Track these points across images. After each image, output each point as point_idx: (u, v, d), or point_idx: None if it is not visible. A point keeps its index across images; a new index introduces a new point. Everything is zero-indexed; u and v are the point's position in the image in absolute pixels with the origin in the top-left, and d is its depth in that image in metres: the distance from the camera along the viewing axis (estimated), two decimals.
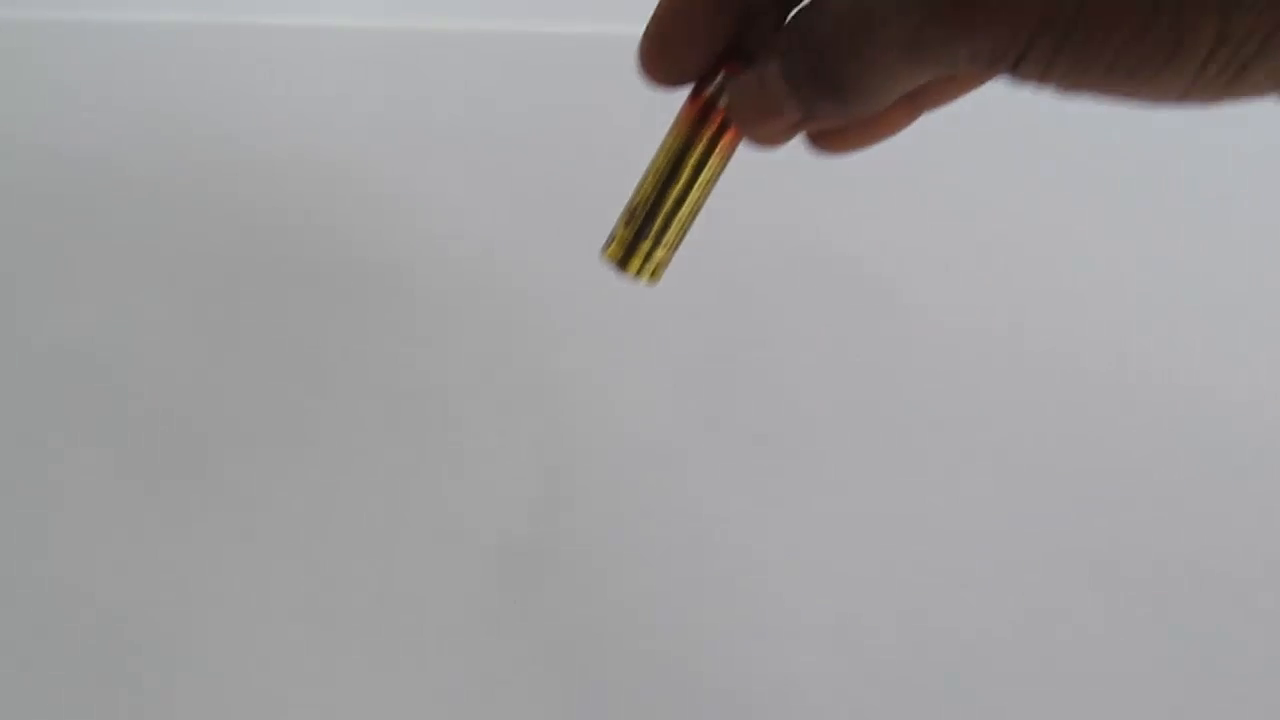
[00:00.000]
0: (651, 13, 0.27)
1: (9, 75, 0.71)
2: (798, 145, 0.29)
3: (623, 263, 0.31)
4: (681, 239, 0.31)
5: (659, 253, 0.30)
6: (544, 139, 0.69)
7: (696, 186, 0.30)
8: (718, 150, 0.29)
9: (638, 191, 0.30)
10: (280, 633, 0.34)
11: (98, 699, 0.31)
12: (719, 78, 0.28)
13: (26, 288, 0.49)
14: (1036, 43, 0.19)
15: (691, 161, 0.29)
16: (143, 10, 0.78)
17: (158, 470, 0.40)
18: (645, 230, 0.30)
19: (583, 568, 0.38)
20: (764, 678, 0.35)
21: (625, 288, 0.53)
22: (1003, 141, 0.60)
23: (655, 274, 0.31)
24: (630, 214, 0.30)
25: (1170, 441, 0.49)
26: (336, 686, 0.32)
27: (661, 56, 0.27)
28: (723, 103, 0.28)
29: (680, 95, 0.29)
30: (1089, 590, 0.40)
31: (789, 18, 0.27)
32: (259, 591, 0.35)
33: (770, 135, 0.27)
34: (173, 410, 0.43)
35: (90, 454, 0.40)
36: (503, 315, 0.51)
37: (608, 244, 0.31)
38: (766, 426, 0.46)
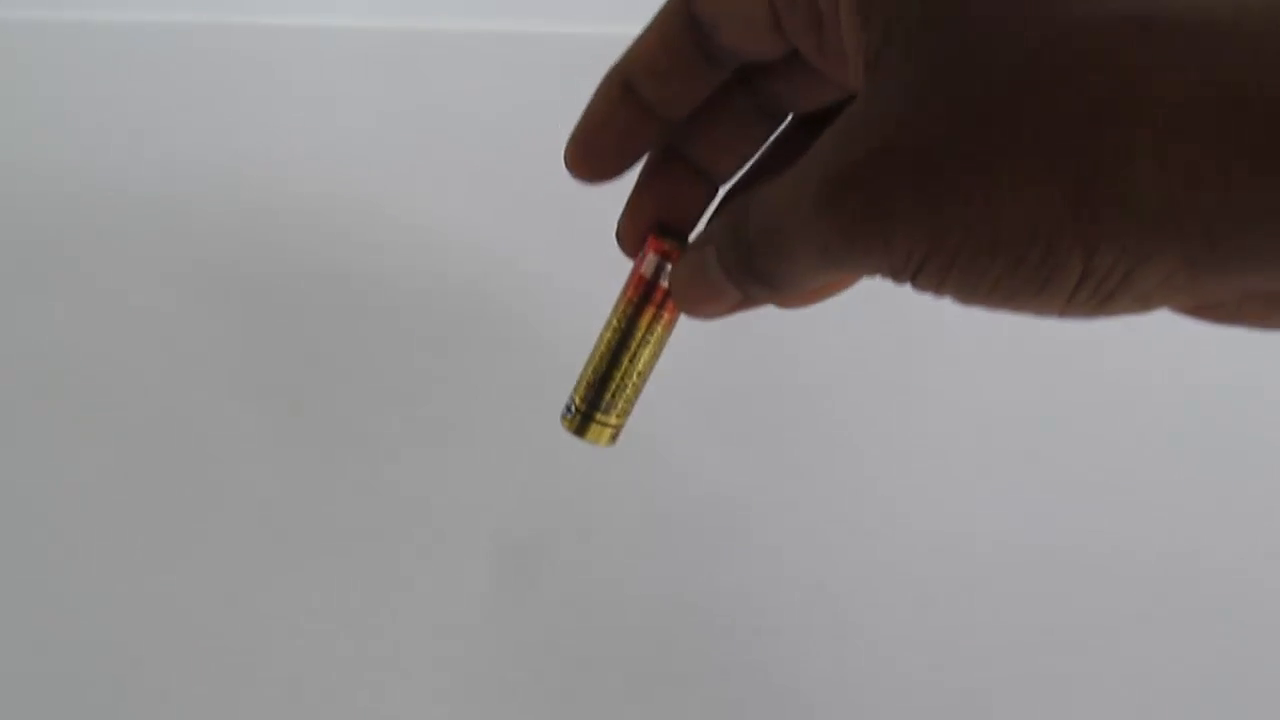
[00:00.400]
0: (578, 120, 0.30)
1: (8, 75, 0.71)
2: None
3: (580, 432, 0.33)
4: (633, 405, 0.33)
5: (613, 419, 0.33)
6: (545, 139, 0.69)
7: (643, 361, 0.32)
8: (661, 325, 0.32)
9: (589, 367, 0.33)
10: (279, 632, 0.34)
11: (99, 701, 0.31)
12: (655, 260, 0.30)
13: (24, 289, 0.49)
14: (928, 266, 0.22)
15: (636, 338, 0.32)
16: (143, 10, 0.78)
17: (156, 468, 0.40)
18: (598, 403, 0.33)
19: (584, 568, 0.38)
20: (770, 679, 0.35)
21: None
22: None
23: (614, 438, 0.34)
24: (586, 388, 0.33)
25: (1183, 436, 0.49)
26: (336, 687, 0.32)
27: (585, 159, 0.30)
28: (663, 283, 0.30)
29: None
30: (1095, 590, 0.40)
31: (721, 204, 0.30)
32: (256, 591, 0.35)
33: (712, 314, 0.30)
34: (171, 412, 0.43)
35: (85, 459, 0.40)
36: (504, 314, 0.51)
37: (565, 414, 0.33)
38: (770, 421, 0.46)
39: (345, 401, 0.44)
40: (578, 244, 0.57)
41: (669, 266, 0.30)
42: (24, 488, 0.39)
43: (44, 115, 0.66)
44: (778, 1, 0.25)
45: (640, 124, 0.29)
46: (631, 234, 0.31)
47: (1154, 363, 0.52)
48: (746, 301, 0.29)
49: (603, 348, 0.33)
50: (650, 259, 0.31)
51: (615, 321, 0.32)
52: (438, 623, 0.35)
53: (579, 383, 0.33)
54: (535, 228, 0.57)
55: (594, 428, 0.33)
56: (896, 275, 0.23)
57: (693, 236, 0.31)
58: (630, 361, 0.32)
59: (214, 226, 0.56)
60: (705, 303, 0.29)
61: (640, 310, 0.32)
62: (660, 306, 0.32)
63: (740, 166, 0.31)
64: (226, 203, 0.58)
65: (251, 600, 0.35)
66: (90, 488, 0.39)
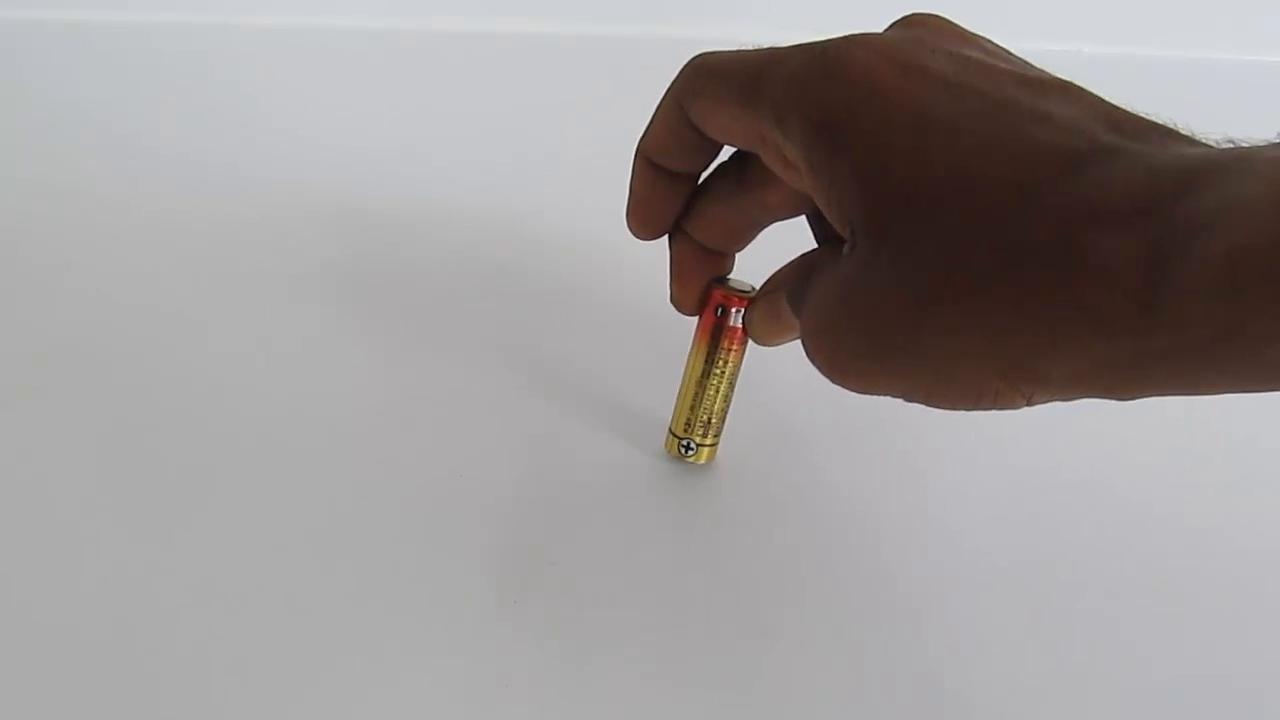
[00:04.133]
0: (628, 192, 0.37)
1: (8, 75, 0.71)
2: None
3: (691, 458, 0.40)
4: (723, 426, 0.40)
5: (711, 440, 0.40)
6: (545, 139, 0.69)
7: (726, 390, 0.39)
8: (732, 360, 0.38)
9: (687, 405, 0.39)
10: (278, 630, 0.34)
11: (102, 702, 0.31)
12: (728, 309, 0.37)
13: (24, 288, 0.49)
14: (909, 400, 0.29)
15: (721, 375, 0.38)
16: (143, 10, 0.78)
17: (157, 464, 0.40)
18: (703, 431, 0.39)
19: (585, 566, 0.38)
20: (772, 684, 0.35)
21: (628, 286, 0.53)
22: None
23: (711, 457, 0.40)
24: (687, 424, 0.39)
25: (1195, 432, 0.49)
26: (335, 686, 0.32)
27: (642, 225, 0.38)
28: (735, 322, 0.37)
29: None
30: (1097, 596, 0.40)
31: (804, 268, 0.35)
32: (256, 589, 0.35)
33: (783, 343, 0.37)
34: (171, 409, 0.43)
35: (81, 447, 0.40)
36: (505, 313, 0.51)
37: (684, 450, 0.40)
38: (773, 422, 0.46)
39: (346, 398, 0.44)
40: (580, 241, 0.57)
41: (732, 311, 0.37)
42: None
43: (44, 115, 0.66)
44: (759, 136, 0.31)
45: (671, 187, 0.37)
46: (687, 299, 0.39)
47: None
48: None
49: (694, 388, 0.39)
50: (727, 310, 0.38)
51: (701, 364, 0.39)
52: (438, 623, 0.35)
53: (678, 418, 0.40)
54: (537, 226, 0.57)
55: (701, 452, 0.40)
56: None
57: (732, 275, 0.38)
58: (718, 392, 0.39)
59: (212, 227, 0.56)
60: (779, 335, 0.37)
61: (725, 352, 0.38)
62: (734, 343, 0.38)
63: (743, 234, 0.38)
64: (225, 203, 0.58)
65: (247, 596, 0.35)
66: (75, 483, 0.39)
